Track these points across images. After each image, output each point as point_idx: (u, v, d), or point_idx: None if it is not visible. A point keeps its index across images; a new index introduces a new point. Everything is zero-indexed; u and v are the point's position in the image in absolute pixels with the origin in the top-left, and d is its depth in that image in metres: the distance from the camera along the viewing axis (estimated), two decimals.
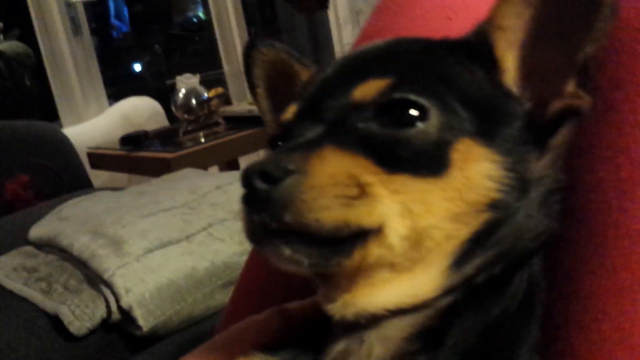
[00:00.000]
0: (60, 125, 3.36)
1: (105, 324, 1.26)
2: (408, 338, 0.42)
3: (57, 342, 1.24)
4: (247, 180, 0.39)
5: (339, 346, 0.44)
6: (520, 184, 0.42)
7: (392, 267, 0.41)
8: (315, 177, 0.39)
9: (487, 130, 0.42)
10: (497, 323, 0.42)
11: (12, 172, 2.22)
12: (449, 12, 0.67)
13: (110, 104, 3.68)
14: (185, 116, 2.77)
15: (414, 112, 0.41)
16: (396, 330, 0.42)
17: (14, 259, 1.49)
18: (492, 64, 0.45)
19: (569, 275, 0.47)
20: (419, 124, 0.41)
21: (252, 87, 0.59)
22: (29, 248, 1.53)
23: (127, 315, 1.23)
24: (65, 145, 2.47)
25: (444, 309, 0.42)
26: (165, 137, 2.83)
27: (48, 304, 1.27)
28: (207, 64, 4.20)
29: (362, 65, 0.46)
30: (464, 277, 0.42)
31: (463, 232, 0.41)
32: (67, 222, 1.52)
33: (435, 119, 0.41)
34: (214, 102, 2.77)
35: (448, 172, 0.40)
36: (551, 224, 0.44)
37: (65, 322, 1.22)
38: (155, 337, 1.25)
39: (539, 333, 0.43)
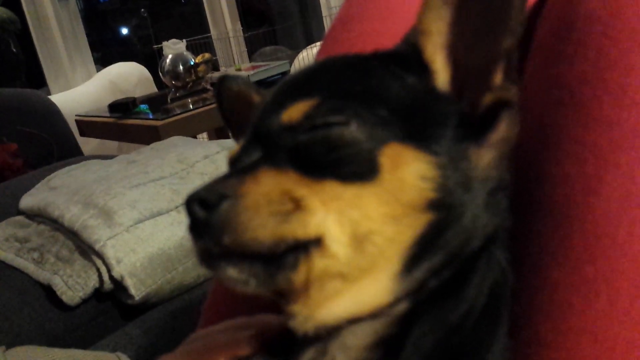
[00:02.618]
0: (48, 92, 3.32)
1: (98, 293, 1.28)
2: (368, 347, 0.43)
3: (51, 311, 1.26)
4: (188, 208, 0.41)
5: (306, 357, 0.45)
6: (461, 182, 0.44)
7: (343, 277, 0.42)
8: (249, 198, 0.41)
9: (418, 133, 0.43)
10: (458, 328, 0.43)
11: (0, 140, 2.20)
12: None
13: (98, 69, 3.63)
14: (173, 82, 2.74)
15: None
16: (356, 340, 0.44)
17: (5, 228, 1.49)
18: (423, 69, 0.47)
19: (536, 266, 0.48)
20: (338, 128, 0.42)
21: (227, 121, 0.63)
22: (20, 218, 1.53)
23: (119, 285, 1.26)
24: (53, 113, 2.44)
25: (401, 316, 0.43)
26: (153, 104, 2.81)
27: (41, 274, 1.29)
28: (194, 29, 4.13)
29: (293, 88, 0.48)
30: (416, 282, 0.43)
31: (406, 235, 0.42)
32: (58, 192, 1.52)
33: (355, 127, 0.42)
34: (202, 68, 2.74)
35: (379, 177, 0.42)
36: (500, 222, 0.46)
37: (58, 292, 1.24)
38: (147, 305, 1.28)
39: (507, 338, 0.45)
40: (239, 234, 0.40)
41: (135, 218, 1.33)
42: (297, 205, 0.41)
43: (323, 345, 0.45)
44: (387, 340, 0.43)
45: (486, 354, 0.44)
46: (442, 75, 0.47)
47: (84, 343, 1.20)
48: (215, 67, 3.23)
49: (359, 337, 0.44)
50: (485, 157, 0.45)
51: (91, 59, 3.68)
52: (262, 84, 2.67)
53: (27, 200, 1.56)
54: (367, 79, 0.46)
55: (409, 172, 0.42)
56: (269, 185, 0.42)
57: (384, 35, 0.67)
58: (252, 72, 2.75)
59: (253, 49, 4.01)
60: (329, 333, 0.44)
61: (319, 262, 0.41)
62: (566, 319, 0.45)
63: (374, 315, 0.43)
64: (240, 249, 0.41)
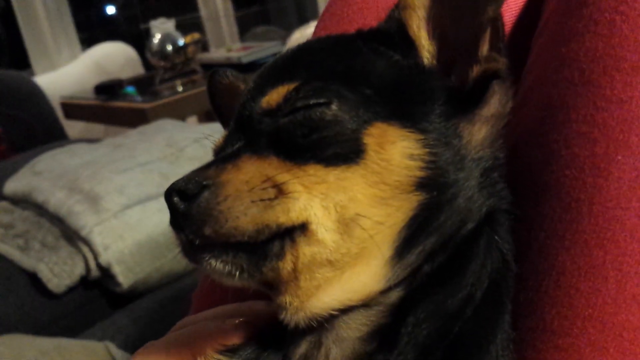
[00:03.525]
0: (32, 73, 3.27)
1: (85, 281, 1.27)
2: (363, 338, 0.42)
3: (36, 299, 1.25)
4: (167, 200, 0.40)
5: (300, 350, 0.44)
6: (453, 160, 0.42)
7: (332, 264, 0.41)
8: (229, 186, 0.40)
9: (404, 111, 0.42)
10: (456, 316, 0.41)
11: None
12: None
13: (83, 49, 3.57)
14: (162, 63, 2.70)
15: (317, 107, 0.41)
16: (350, 331, 0.42)
17: None
18: (408, 45, 0.45)
19: (543, 250, 0.46)
20: (319, 109, 0.41)
21: (219, 116, 0.61)
22: (4, 204, 1.51)
23: (106, 272, 1.25)
24: (37, 95, 2.41)
25: (395, 304, 0.42)
26: (141, 86, 2.77)
27: (26, 261, 1.27)
28: (183, 7, 4.07)
29: (273, 73, 0.47)
30: (409, 267, 0.42)
31: (396, 217, 0.41)
32: (42, 176, 1.50)
33: (337, 107, 0.41)
34: (191, 49, 2.71)
35: (365, 158, 0.40)
36: (496, 204, 0.44)
37: (44, 280, 1.22)
38: (135, 293, 1.27)
39: (511, 329, 0.44)
40: (219, 224, 0.39)
41: (122, 204, 1.31)
42: (280, 190, 0.40)
43: (317, 338, 0.43)
44: (382, 330, 0.42)
45: (489, 345, 0.42)
46: (428, 50, 0.45)
47: (71, 332, 1.19)
48: (205, 48, 3.19)
49: (353, 328, 0.42)
50: (478, 134, 0.44)
51: (76, 38, 3.62)
52: (254, 65, 2.64)
53: (11, 186, 1.53)
54: (350, 58, 0.45)
55: (395, 151, 0.41)
56: (249, 173, 0.40)
57: (385, 9, 0.65)
58: (243, 53, 2.71)
59: (244, 29, 3.97)
60: (321, 324, 0.43)
61: (305, 249, 0.40)
62: (573, 304, 0.44)
63: (367, 304, 0.42)
64: (222, 239, 0.39)
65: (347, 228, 0.40)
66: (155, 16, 2.78)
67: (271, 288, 0.43)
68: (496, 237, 0.44)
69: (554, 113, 0.48)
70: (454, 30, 0.45)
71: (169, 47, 2.69)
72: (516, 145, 0.52)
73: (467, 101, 0.44)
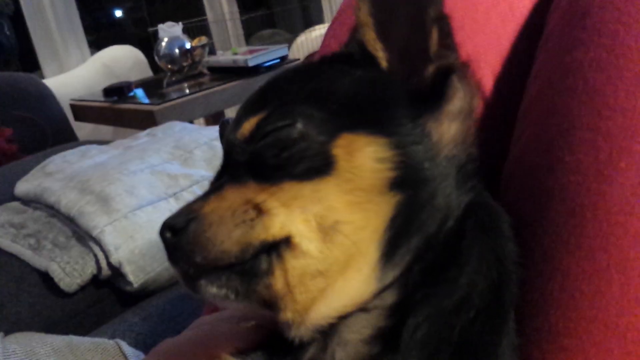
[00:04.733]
0: (42, 76, 3.28)
1: (96, 280, 1.27)
2: (366, 340, 0.43)
3: (48, 298, 1.25)
4: (161, 236, 0.43)
5: (308, 354, 0.45)
6: (425, 158, 0.44)
7: (322, 274, 0.42)
8: (212, 214, 0.42)
9: (370, 119, 0.45)
10: (455, 317, 0.42)
11: None
12: None
13: (92, 52, 3.58)
14: (169, 66, 2.72)
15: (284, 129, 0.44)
16: (353, 334, 0.44)
17: (0, 215, 1.48)
18: (368, 60, 0.48)
19: (547, 254, 0.48)
20: (286, 129, 0.43)
21: None
22: (16, 204, 1.52)
23: (117, 272, 1.25)
24: (47, 97, 2.42)
25: (393, 306, 0.43)
26: (149, 88, 2.78)
27: (37, 261, 1.28)
28: (190, 11, 4.08)
29: (248, 107, 0.49)
30: (398, 268, 0.43)
31: (376, 220, 0.43)
32: (54, 177, 1.51)
33: (302, 125, 0.43)
34: (198, 52, 2.72)
35: (336, 168, 0.42)
36: (474, 199, 0.46)
37: (56, 279, 1.23)
38: (146, 292, 1.28)
39: (515, 336, 0.45)
40: (207, 250, 0.41)
41: (133, 204, 1.32)
42: (259, 210, 0.42)
43: (323, 341, 0.45)
44: (384, 332, 0.43)
45: (496, 348, 0.43)
46: (386, 60, 0.48)
47: (82, 330, 1.19)
48: (212, 51, 3.20)
49: (355, 332, 0.44)
50: (447, 132, 0.46)
51: (85, 41, 3.63)
52: (260, 68, 2.64)
53: (23, 186, 1.54)
54: (315, 81, 0.48)
55: (364, 157, 0.43)
56: (231, 200, 0.43)
57: None
58: (249, 56, 2.71)
59: (250, 32, 3.98)
60: (325, 332, 0.44)
61: (293, 262, 0.42)
62: (578, 306, 0.45)
63: (364, 307, 0.44)
64: (212, 264, 0.42)
65: (329, 236, 0.42)
66: (162, 20, 2.80)
67: (271, 307, 0.45)
68: (488, 239, 0.45)
69: (559, 120, 0.49)
70: (407, 37, 0.47)
71: (177, 51, 2.71)
72: (522, 151, 0.53)
73: (432, 101, 0.46)
